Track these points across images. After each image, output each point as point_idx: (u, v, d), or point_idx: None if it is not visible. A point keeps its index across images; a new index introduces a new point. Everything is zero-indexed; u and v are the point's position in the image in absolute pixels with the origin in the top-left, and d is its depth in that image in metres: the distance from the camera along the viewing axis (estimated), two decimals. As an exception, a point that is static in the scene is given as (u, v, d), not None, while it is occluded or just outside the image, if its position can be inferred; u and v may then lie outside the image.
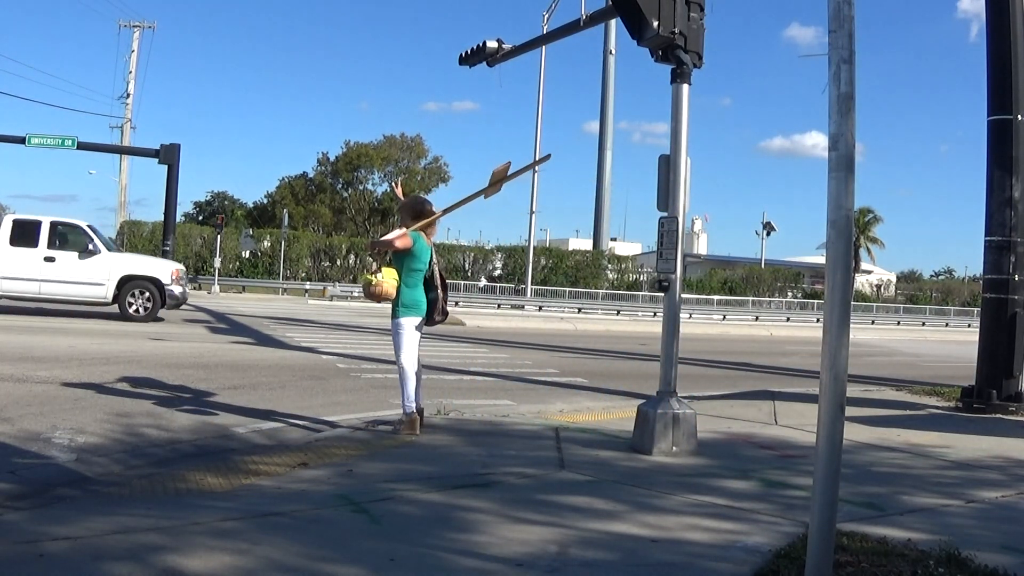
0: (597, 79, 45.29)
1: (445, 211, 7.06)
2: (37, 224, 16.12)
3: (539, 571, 3.61)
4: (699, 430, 6.36)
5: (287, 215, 39.98)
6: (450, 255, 38.97)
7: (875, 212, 58.84)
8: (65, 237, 16.15)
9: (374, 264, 6.54)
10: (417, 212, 6.63)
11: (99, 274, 16.12)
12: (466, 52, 12.64)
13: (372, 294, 6.45)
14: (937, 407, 9.54)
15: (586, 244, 50.02)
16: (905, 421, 8.26)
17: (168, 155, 33.07)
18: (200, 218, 63.95)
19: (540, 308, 31.18)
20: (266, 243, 39.18)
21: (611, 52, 42.66)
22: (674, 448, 6.13)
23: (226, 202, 68.86)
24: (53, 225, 16.18)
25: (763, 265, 52.14)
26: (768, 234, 54.17)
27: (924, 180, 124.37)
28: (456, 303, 27.55)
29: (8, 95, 74.99)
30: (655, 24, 6.10)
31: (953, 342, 25.03)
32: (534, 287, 34.49)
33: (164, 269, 16.91)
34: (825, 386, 3.26)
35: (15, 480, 4.89)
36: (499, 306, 30.34)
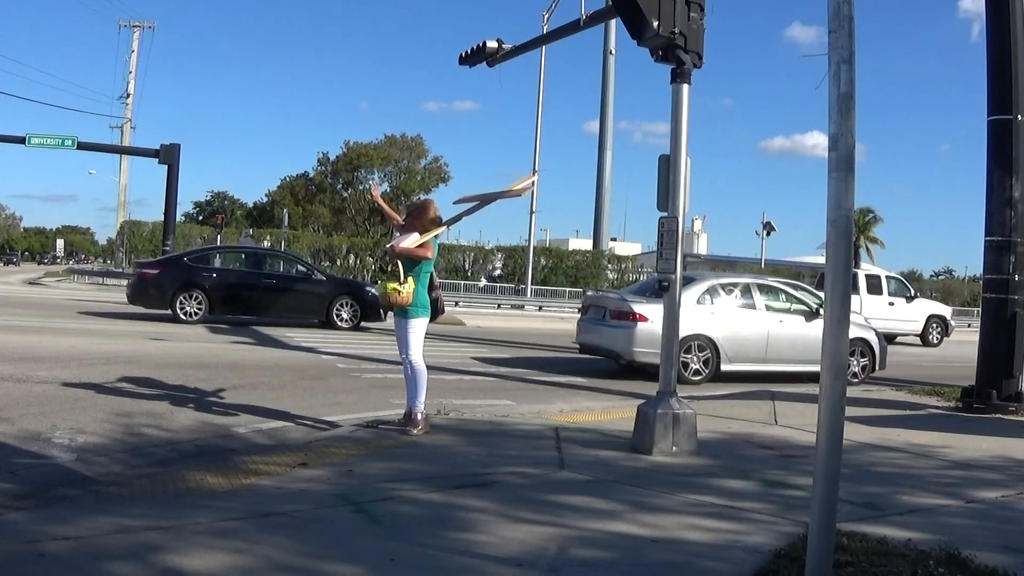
0: (597, 79, 45.09)
1: (455, 219, 7.17)
2: (878, 277, 22.48)
3: (539, 571, 3.61)
4: (699, 430, 6.36)
5: (287, 215, 39.95)
6: (450, 255, 38.94)
7: (875, 212, 58.74)
8: (893, 286, 22.31)
9: (401, 274, 6.42)
10: (434, 217, 6.64)
11: (915, 314, 22.80)
12: (466, 52, 12.64)
13: (392, 302, 6.43)
14: (937, 407, 9.54)
15: (586, 244, 49.90)
16: (905, 421, 8.26)
17: (168, 155, 33.07)
18: (200, 218, 64.02)
19: (540, 308, 31.14)
20: (266, 243, 39.15)
21: (611, 52, 42.48)
22: (674, 448, 6.13)
23: (226, 202, 68.96)
24: (888, 278, 22.74)
25: (763, 265, 52.05)
26: (768, 234, 53.95)
27: (924, 180, 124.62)
28: (456, 303, 27.50)
29: (8, 95, 75.15)
30: (655, 24, 6.10)
31: (953, 342, 25.00)
32: (534, 287, 34.44)
33: (947, 310, 24.45)
34: (825, 386, 3.27)
35: (15, 480, 4.89)
36: (499, 306, 30.31)
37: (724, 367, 11.17)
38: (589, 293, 14.94)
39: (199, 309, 16.18)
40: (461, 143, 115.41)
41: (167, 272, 16.57)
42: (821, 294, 13.48)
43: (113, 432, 6.30)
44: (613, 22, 17.40)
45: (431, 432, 6.57)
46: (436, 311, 6.72)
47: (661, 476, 5.49)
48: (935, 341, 23.08)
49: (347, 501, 4.55)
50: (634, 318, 10.93)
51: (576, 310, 31.45)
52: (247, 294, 16.70)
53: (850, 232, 3.34)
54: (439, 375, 10.19)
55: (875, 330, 12.76)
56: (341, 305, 16.99)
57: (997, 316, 9.09)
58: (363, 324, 17.08)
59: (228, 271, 16.96)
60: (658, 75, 6.58)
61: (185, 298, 16.11)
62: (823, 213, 3.33)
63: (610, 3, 8.00)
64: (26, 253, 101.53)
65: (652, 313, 10.44)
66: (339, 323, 16.88)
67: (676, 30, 6.19)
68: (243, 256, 18.13)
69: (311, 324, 17.07)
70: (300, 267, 18.16)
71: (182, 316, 16.01)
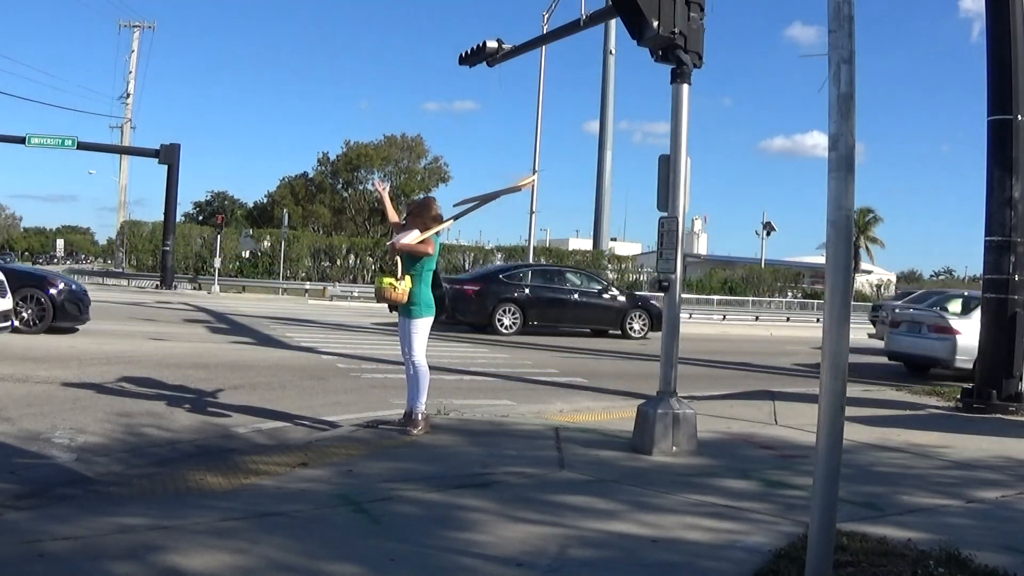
0: (597, 79, 45.13)
1: (458, 215, 7.15)
2: None
3: (539, 571, 3.61)
4: (699, 430, 6.36)
5: (287, 215, 39.95)
6: (450, 255, 38.96)
7: (875, 212, 59.04)
8: None
9: (399, 270, 6.41)
10: (436, 214, 6.64)
11: None
12: (466, 52, 12.65)
13: (388, 298, 6.43)
14: (937, 407, 9.54)
15: (586, 244, 49.93)
16: (905, 421, 8.26)
17: (168, 155, 33.10)
18: (200, 218, 63.99)
19: (540, 308, 31.13)
20: (266, 243, 39.14)
21: (611, 52, 42.51)
22: (674, 448, 6.13)
23: (226, 202, 68.92)
24: None
25: (763, 265, 52.08)
26: (768, 234, 54.10)
27: (925, 180, 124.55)
28: (456, 303, 27.45)
29: (8, 95, 75.04)
30: (655, 24, 6.10)
31: None
32: (534, 287, 34.46)
33: None
34: (825, 386, 3.26)
35: (15, 480, 4.89)
36: (499, 306, 30.28)
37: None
38: (897, 310, 17.08)
39: (515, 322, 17.91)
40: (461, 143, 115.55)
41: (487, 288, 18.15)
42: None
43: (113, 432, 6.30)
44: (613, 22, 17.42)
45: (431, 432, 6.57)
46: (442, 308, 6.72)
47: (661, 476, 5.49)
48: None
49: (347, 501, 4.55)
50: (953, 332, 12.92)
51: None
52: (557, 309, 18.62)
53: (850, 232, 3.33)
54: (439, 375, 10.19)
55: None
56: (633, 317, 19.08)
57: (997, 316, 9.10)
58: (649, 335, 18.69)
59: (540, 287, 18.77)
60: (658, 75, 6.57)
61: (503, 312, 17.88)
62: (823, 213, 3.33)
63: (610, 3, 8.00)
64: (26, 253, 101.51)
65: (964, 327, 12.65)
66: (632, 334, 18.90)
67: (676, 30, 6.19)
68: (551, 274, 20.18)
69: (607, 334, 18.98)
70: (596, 284, 20.13)
71: (501, 329, 17.67)
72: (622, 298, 19.58)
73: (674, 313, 6.46)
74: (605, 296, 19.32)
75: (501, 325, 17.66)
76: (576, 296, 18.88)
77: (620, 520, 4.42)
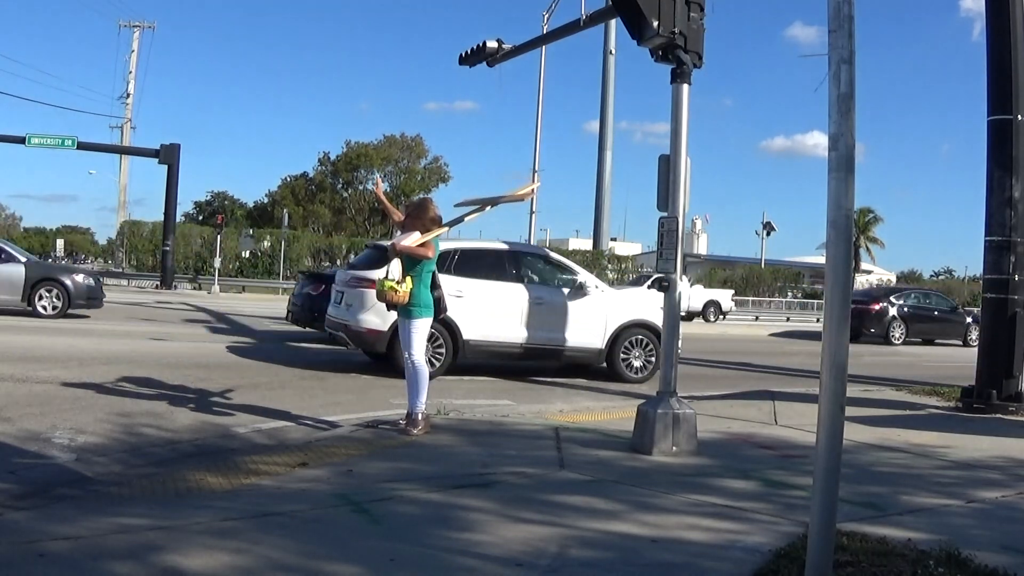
0: (597, 79, 44.99)
1: (456, 221, 7.16)
2: None
3: (539, 571, 3.61)
4: (699, 430, 6.35)
5: (287, 215, 39.93)
6: (450, 255, 38.94)
7: (875, 212, 59.08)
8: None
9: (398, 273, 6.41)
10: (434, 215, 6.64)
11: None
12: (466, 52, 12.65)
13: (390, 300, 6.43)
14: (937, 407, 9.53)
15: (586, 244, 49.87)
16: (905, 421, 8.26)
17: (168, 155, 33.09)
18: (200, 218, 63.96)
19: (540, 308, 31.12)
20: (266, 243, 39.10)
21: (611, 52, 42.40)
22: (674, 448, 6.13)
23: (226, 202, 68.88)
24: None
25: (763, 265, 52.09)
26: (768, 234, 54.14)
27: (924, 180, 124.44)
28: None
29: (8, 95, 74.99)
30: (655, 24, 6.10)
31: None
32: (534, 287, 34.43)
33: None
34: (825, 386, 3.26)
35: (15, 480, 4.89)
36: (499, 306, 30.27)
37: None
38: None
39: (902, 334, 22.93)
40: (461, 143, 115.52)
41: (884, 307, 23.10)
42: None
43: (113, 432, 6.30)
44: (613, 22, 17.41)
45: (431, 432, 6.58)
46: (439, 310, 6.73)
47: (661, 476, 5.48)
48: None
49: (347, 501, 4.55)
50: None
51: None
52: (928, 324, 23.67)
53: (850, 232, 3.33)
54: (439, 375, 10.18)
55: None
56: (972, 330, 22.82)
57: (997, 316, 9.09)
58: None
59: (915, 306, 23.78)
60: (658, 75, 6.57)
61: (894, 326, 22.90)
62: (823, 213, 3.33)
63: (610, 3, 8.00)
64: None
65: None
66: (971, 343, 21.75)
67: (676, 30, 6.19)
68: (922, 295, 25.14)
69: (934, 343, 23.64)
70: (951, 303, 25.37)
71: (893, 340, 22.61)
72: (968, 318, 23.94)
73: (674, 313, 6.46)
74: (956, 313, 24.62)
75: (893, 337, 22.55)
76: (936, 313, 24.08)
77: (620, 520, 4.42)
